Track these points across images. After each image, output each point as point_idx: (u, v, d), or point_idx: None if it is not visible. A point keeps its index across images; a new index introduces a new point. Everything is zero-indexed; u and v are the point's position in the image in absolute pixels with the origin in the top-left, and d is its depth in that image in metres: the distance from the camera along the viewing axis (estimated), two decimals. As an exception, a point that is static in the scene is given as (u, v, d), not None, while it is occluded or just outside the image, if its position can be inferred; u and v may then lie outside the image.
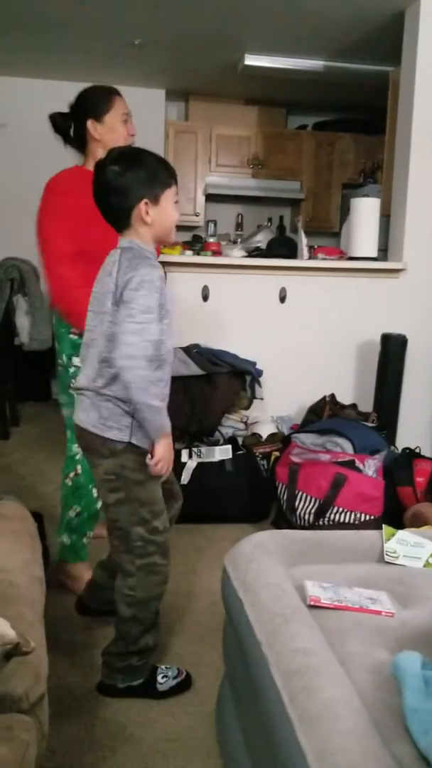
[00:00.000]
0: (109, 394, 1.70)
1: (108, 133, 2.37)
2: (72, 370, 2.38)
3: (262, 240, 5.24)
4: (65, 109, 2.43)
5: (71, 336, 2.38)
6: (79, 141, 2.43)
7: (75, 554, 2.47)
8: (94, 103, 2.38)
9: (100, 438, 1.72)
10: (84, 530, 2.47)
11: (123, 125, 2.40)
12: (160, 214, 1.70)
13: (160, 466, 1.73)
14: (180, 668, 1.96)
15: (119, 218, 1.71)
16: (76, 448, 2.41)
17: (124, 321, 1.61)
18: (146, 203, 1.67)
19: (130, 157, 1.71)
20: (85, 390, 1.75)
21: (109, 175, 1.67)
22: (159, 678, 1.90)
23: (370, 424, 3.42)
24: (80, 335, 2.34)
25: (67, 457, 2.48)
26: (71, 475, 2.45)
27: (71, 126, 2.42)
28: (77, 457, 2.43)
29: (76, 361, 2.38)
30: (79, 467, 2.43)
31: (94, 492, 2.43)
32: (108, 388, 1.70)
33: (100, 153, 2.34)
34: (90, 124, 2.36)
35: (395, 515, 2.82)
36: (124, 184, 1.67)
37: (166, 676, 1.92)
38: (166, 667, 1.94)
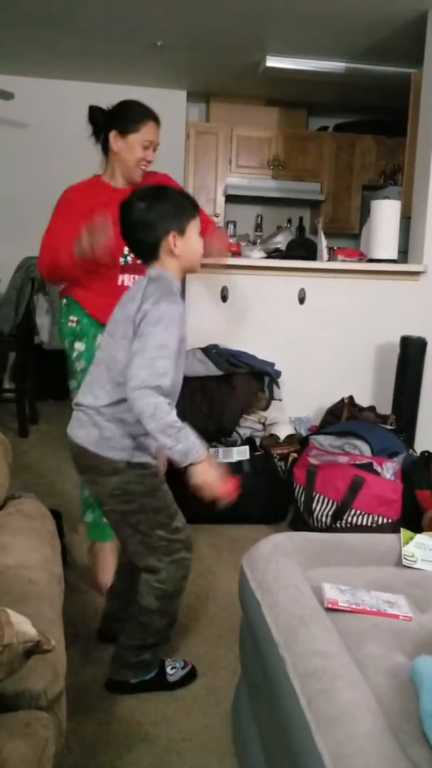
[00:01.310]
0: (112, 414, 1.73)
1: (125, 151, 2.39)
2: (75, 354, 2.48)
3: (281, 241, 5.22)
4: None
5: (70, 324, 2.48)
6: (103, 145, 2.46)
7: (100, 531, 2.46)
8: (125, 117, 2.39)
9: (101, 458, 1.75)
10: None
11: (142, 150, 2.40)
12: (186, 245, 1.75)
13: (203, 493, 1.69)
14: (185, 660, 2.01)
15: (148, 252, 1.76)
16: None
17: (136, 354, 1.63)
18: (174, 236, 1.72)
19: (155, 194, 1.76)
20: (86, 407, 1.77)
21: (136, 213, 1.73)
22: (168, 669, 1.95)
23: (389, 427, 3.40)
24: (77, 322, 2.47)
25: None
26: None
27: (106, 125, 2.44)
28: None
29: (78, 346, 2.49)
30: None
31: None
32: (114, 408, 1.73)
33: (115, 166, 2.43)
34: (112, 135, 2.38)
35: (413, 518, 2.80)
36: (152, 218, 1.72)
37: (174, 668, 1.96)
38: (172, 660, 1.99)
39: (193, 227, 1.77)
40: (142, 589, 1.84)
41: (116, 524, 1.85)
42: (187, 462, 1.65)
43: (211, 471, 1.68)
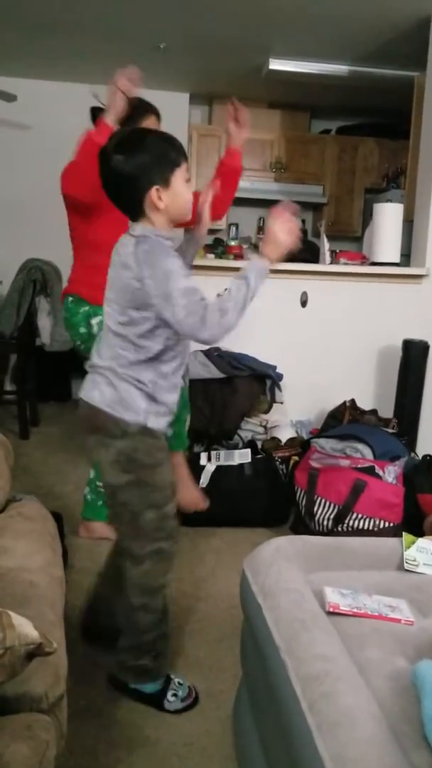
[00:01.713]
0: (129, 374, 1.68)
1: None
2: (95, 329, 2.55)
3: (284, 244, 5.22)
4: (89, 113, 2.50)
5: (82, 311, 2.56)
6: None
7: (93, 512, 2.77)
8: (127, 114, 2.43)
9: (114, 418, 1.68)
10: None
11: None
12: (172, 197, 1.63)
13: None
14: (191, 688, 1.91)
15: (130, 208, 1.65)
16: None
17: (175, 314, 1.57)
18: (157, 189, 1.61)
19: (133, 143, 1.63)
20: (102, 368, 1.72)
21: (114, 165, 1.61)
22: (169, 695, 1.87)
23: (391, 430, 3.40)
24: (90, 305, 2.54)
25: None
26: None
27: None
28: None
29: (94, 320, 2.57)
30: None
31: None
32: (127, 370, 1.68)
33: None
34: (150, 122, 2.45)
35: (415, 522, 2.80)
36: (131, 172, 1.60)
37: (176, 695, 1.87)
38: (179, 683, 1.90)
39: (179, 176, 1.64)
40: (126, 585, 1.80)
41: (110, 499, 1.80)
42: (266, 272, 1.71)
43: (277, 238, 1.72)
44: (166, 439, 1.80)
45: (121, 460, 1.71)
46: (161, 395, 1.72)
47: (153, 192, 1.60)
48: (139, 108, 2.45)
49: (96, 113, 2.46)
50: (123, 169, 1.60)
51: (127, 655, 1.85)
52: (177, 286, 1.57)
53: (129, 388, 1.68)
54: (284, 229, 1.71)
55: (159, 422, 1.73)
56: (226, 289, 1.64)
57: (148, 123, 2.45)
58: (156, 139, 1.65)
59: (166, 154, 1.62)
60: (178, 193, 1.64)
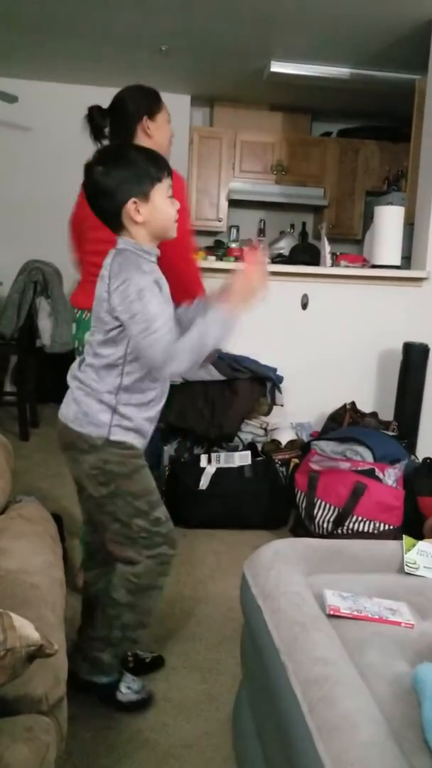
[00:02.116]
0: (91, 385, 1.68)
1: (158, 130, 2.40)
2: None
3: (284, 246, 5.24)
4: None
5: None
6: (124, 138, 2.42)
7: None
8: (149, 101, 2.40)
9: (79, 433, 1.70)
10: None
11: (168, 126, 2.44)
12: (152, 212, 1.63)
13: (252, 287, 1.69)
14: (146, 688, 1.89)
15: (110, 220, 1.66)
16: None
17: (138, 339, 1.57)
18: (135, 202, 1.60)
19: (116, 156, 1.66)
20: (73, 380, 1.74)
21: (95, 176, 1.62)
22: (122, 687, 1.85)
23: (391, 433, 3.40)
24: None
25: None
26: None
27: (107, 125, 2.41)
28: None
29: None
30: None
31: None
32: (93, 379, 1.68)
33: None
34: (145, 120, 2.37)
35: (415, 525, 2.80)
36: (110, 184, 1.61)
37: (129, 688, 1.86)
38: (132, 679, 1.89)
39: (160, 191, 1.63)
40: (115, 580, 1.79)
41: (94, 513, 1.80)
42: (228, 331, 1.63)
43: (238, 292, 1.68)
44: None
45: (95, 474, 1.72)
46: (125, 409, 1.70)
47: (130, 204, 1.61)
48: (154, 92, 2.42)
49: (95, 114, 2.42)
50: (102, 181, 1.62)
51: (89, 645, 1.83)
52: (146, 308, 1.56)
53: (90, 402, 1.69)
54: (255, 277, 1.70)
55: (125, 436, 1.71)
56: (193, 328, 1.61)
57: (165, 105, 2.43)
58: (138, 153, 1.66)
59: (147, 169, 1.63)
60: (158, 208, 1.64)
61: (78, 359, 1.80)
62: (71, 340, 2.61)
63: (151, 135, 2.39)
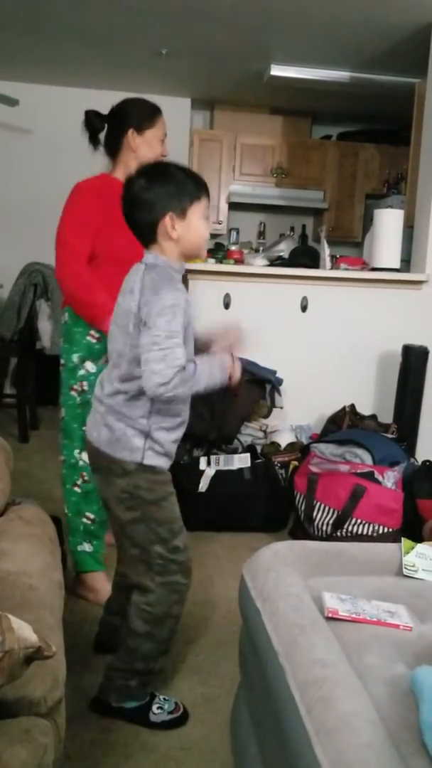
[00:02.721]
0: (123, 412, 1.68)
1: (144, 147, 2.39)
2: (81, 372, 2.40)
3: (284, 249, 5.23)
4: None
5: (89, 339, 2.38)
6: (111, 147, 2.44)
7: (96, 561, 2.46)
8: (140, 115, 2.40)
9: (112, 458, 1.70)
10: (102, 534, 2.48)
11: (159, 144, 2.42)
12: (187, 229, 1.65)
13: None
14: (178, 703, 1.86)
15: (145, 233, 1.67)
16: (77, 454, 2.43)
17: (150, 349, 1.56)
18: (171, 217, 1.62)
19: (158, 171, 1.67)
20: (101, 404, 1.73)
21: (135, 189, 1.64)
22: (154, 708, 1.83)
23: (390, 436, 3.40)
24: (99, 339, 2.36)
25: (68, 465, 2.47)
26: (78, 482, 2.45)
27: (103, 129, 2.43)
28: (80, 464, 2.42)
29: (89, 365, 2.40)
30: (85, 474, 2.43)
31: None
32: (124, 405, 1.68)
33: (132, 163, 2.36)
34: (130, 133, 2.37)
35: (414, 528, 2.80)
36: (150, 197, 1.63)
37: (161, 708, 1.83)
38: (164, 699, 1.86)
39: (197, 210, 1.65)
40: (131, 610, 1.78)
41: (117, 534, 1.82)
42: (223, 377, 1.68)
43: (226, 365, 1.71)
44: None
45: (125, 498, 1.72)
46: (157, 433, 1.70)
47: (167, 219, 1.62)
48: (150, 108, 2.41)
49: (92, 118, 2.41)
50: (142, 194, 1.63)
51: (115, 674, 1.81)
52: (170, 324, 1.56)
53: (123, 428, 1.69)
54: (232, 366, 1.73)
55: (158, 461, 1.72)
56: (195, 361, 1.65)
57: (161, 124, 2.41)
58: (181, 171, 1.68)
59: (187, 186, 1.65)
60: (193, 226, 1.65)
61: (99, 383, 1.77)
62: None
63: (135, 149, 2.39)
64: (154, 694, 1.86)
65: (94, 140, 2.45)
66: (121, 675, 1.80)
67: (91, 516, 2.45)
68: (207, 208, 1.69)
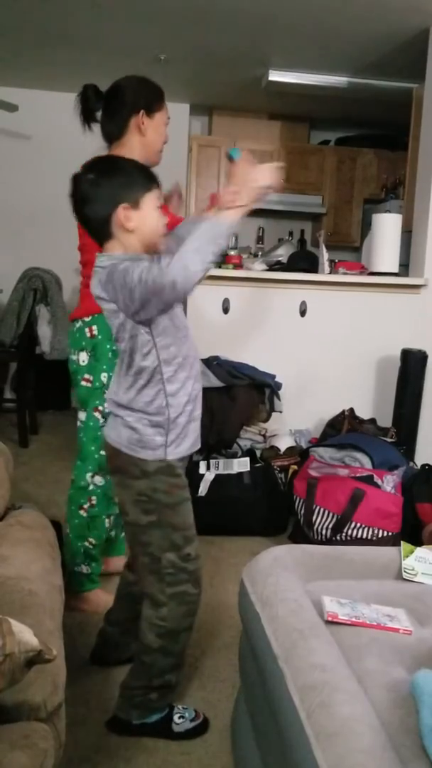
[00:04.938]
0: (140, 410, 1.65)
1: (152, 130, 2.29)
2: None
3: (283, 254, 5.23)
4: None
5: (88, 336, 2.29)
6: (113, 129, 2.32)
7: (92, 581, 2.43)
8: (148, 95, 2.31)
9: (133, 458, 1.67)
10: (100, 557, 2.44)
11: (165, 128, 2.35)
12: (142, 219, 1.59)
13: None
14: (198, 711, 1.85)
15: (100, 229, 1.61)
16: (89, 477, 2.35)
17: (134, 279, 1.49)
18: (125, 207, 1.57)
19: (105, 165, 1.65)
20: (117, 407, 1.69)
21: (84, 185, 1.60)
22: (176, 718, 1.81)
23: (389, 440, 3.41)
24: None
25: (77, 487, 2.39)
26: (85, 506, 2.38)
27: (98, 109, 2.31)
28: (90, 488, 2.36)
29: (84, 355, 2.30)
30: (93, 498, 2.37)
31: (106, 522, 2.42)
32: (137, 402, 1.65)
33: (137, 147, 2.28)
34: (141, 115, 2.26)
35: (414, 532, 2.80)
36: (100, 191, 1.58)
37: (183, 717, 1.82)
38: (183, 708, 1.85)
39: (150, 200, 1.60)
40: (143, 625, 1.75)
41: (131, 540, 1.79)
42: (227, 224, 1.63)
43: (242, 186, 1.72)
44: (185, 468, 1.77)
45: (142, 501, 1.69)
46: (173, 420, 1.67)
47: (120, 210, 1.57)
48: (159, 89, 2.31)
49: (89, 94, 2.29)
50: (92, 189, 1.59)
51: (134, 692, 1.78)
52: (134, 270, 1.51)
53: (143, 427, 1.65)
54: (259, 171, 1.71)
55: (179, 451, 1.69)
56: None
57: (166, 107, 2.32)
58: (129, 163, 1.66)
59: (136, 177, 1.62)
60: (148, 215, 1.61)
61: (113, 384, 1.74)
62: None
63: (144, 132, 2.29)
64: (172, 705, 1.84)
65: (87, 118, 2.32)
66: (141, 692, 1.76)
67: (93, 541, 2.39)
68: (159, 199, 1.64)
